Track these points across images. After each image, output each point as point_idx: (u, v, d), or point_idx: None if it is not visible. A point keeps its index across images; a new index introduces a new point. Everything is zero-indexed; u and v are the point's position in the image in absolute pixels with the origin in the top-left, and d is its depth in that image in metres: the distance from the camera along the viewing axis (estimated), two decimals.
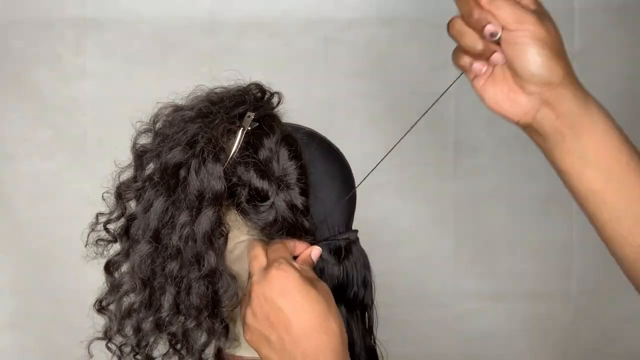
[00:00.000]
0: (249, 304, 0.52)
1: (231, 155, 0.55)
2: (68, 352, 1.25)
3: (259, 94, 0.61)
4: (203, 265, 0.55)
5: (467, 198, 1.25)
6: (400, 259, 1.23)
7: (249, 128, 0.56)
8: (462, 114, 1.24)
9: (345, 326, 0.55)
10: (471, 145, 1.25)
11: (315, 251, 0.56)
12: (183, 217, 0.54)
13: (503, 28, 0.47)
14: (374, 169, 0.61)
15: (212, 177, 0.53)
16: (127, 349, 0.62)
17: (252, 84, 0.61)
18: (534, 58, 0.48)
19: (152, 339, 0.60)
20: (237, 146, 0.55)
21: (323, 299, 0.51)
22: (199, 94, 0.62)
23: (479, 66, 0.53)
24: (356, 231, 0.62)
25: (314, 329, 0.50)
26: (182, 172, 0.55)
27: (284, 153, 0.55)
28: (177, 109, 0.61)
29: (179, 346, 0.60)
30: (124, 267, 0.61)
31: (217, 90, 0.61)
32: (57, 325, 1.25)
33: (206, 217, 0.54)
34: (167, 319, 0.57)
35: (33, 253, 1.24)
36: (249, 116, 0.56)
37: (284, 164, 0.55)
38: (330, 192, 0.59)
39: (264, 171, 0.55)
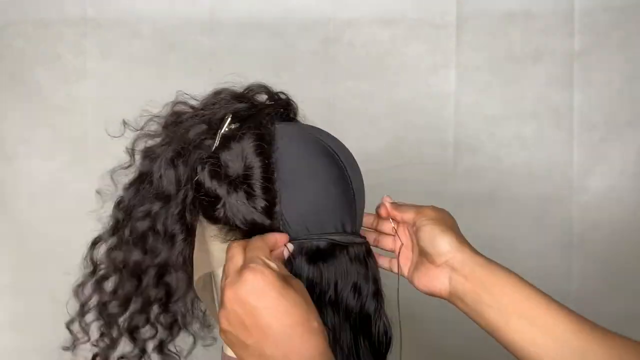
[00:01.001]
0: (222, 306, 0.50)
1: (195, 158, 0.57)
2: (68, 352, 1.26)
3: (253, 95, 0.62)
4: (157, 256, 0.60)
5: (467, 198, 1.25)
6: None
7: (226, 129, 0.57)
8: (462, 114, 1.24)
9: (330, 333, 0.55)
10: (471, 145, 1.25)
11: (288, 247, 0.55)
12: (143, 208, 0.60)
13: (413, 224, 0.63)
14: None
15: (169, 182, 0.58)
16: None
17: (253, 84, 0.62)
18: (431, 232, 0.61)
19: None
20: (214, 147, 0.57)
21: (302, 298, 0.49)
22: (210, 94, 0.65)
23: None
24: (347, 234, 0.58)
25: (296, 328, 0.48)
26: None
27: (250, 151, 0.55)
28: (177, 113, 0.64)
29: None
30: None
31: (195, 102, 0.64)
32: (57, 325, 1.25)
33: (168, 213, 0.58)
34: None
35: (33, 253, 1.24)
36: (227, 118, 0.58)
37: (249, 162, 0.55)
38: (314, 193, 0.56)
39: (216, 171, 0.55)
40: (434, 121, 1.24)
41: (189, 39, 1.22)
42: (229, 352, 0.60)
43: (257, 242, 0.53)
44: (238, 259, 0.51)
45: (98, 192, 0.68)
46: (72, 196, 1.24)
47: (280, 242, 0.55)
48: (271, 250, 0.54)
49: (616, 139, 1.23)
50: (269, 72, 0.65)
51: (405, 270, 0.66)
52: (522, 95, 1.24)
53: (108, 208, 0.69)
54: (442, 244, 0.60)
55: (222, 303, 0.50)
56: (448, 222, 0.62)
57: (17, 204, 1.24)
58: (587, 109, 1.23)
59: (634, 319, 1.26)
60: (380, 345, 0.59)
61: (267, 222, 0.55)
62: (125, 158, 0.67)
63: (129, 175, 0.66)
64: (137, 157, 0.64)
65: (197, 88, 0.66)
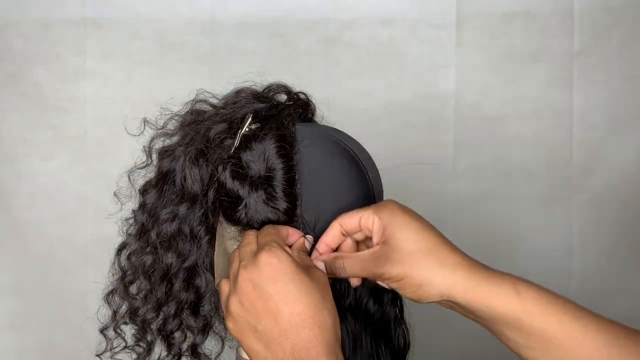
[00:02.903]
0: (235, 290, 0.49)
1: (216, 157, 0.56)
2: (68, 352, 1.26)
3: (273, 94, 0.62)
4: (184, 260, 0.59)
5: (467, 198, 1.25)
6: None
7: (247, 129, 0.56)
8: (462, 114, 1.24)
9: (351, 339, 0.54)
10: (471, 145, 1.25)
11: (309, 239, 0.54)
12: (165, 212, 0.59)
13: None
14: None
15: (194, 180, 0.57)
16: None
17: (273, 84, 0.63)
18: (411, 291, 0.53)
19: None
20: (234, 147, 0.56)
21: (318, 289, 0.48)
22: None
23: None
24: None
25: (306, 320, 0.46)
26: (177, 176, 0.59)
27: (272, 152, 0.55)
28: (197, 111, 0.63)
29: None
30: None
31: (215, 101, 0.63)
32: (57, 325, 1.25)
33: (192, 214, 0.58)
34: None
35: (33, 253, 1.24)
36: (248, 118, 0.57)
37: (271, 164, 0.55)
38: (334, 196, 0.56)
39: (238, 172, 0.55)
40: (434, 121, 1.24)
41: (189, 39, 1.22)
42: (244, 355, 0.60)
43: (269, 229, 0.53)
44: (253, 244, 0.51)
45: (115, 194, 0.67)
46: (72, 196, 1.24)
47: (292, 236, 0.54)
48: (289, 246, 0.53)
49: (616, 139, 1.23)
50: (269, 72, 0.65)
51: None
52: (522, 95, 1.24)
53: (122, 211, 0.68)
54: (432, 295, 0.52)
55: (234, 287, 0.49)
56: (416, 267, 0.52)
57: (17, 204, 1.24)
58: (587, 109, 1.23)
59: (634, 319, 1.26)
60: (399, 350, 0.59)
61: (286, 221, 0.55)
62: (126, 158, 0.66)
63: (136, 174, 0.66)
64: (154, 156, 0.63)
65: (197, 88, 0.65)
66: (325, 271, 0.53)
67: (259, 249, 0.49)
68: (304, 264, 0.50)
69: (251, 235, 0.53)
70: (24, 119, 1.23)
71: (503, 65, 1.23)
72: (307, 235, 0.54)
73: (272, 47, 1.22)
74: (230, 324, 0.50)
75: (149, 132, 0.65)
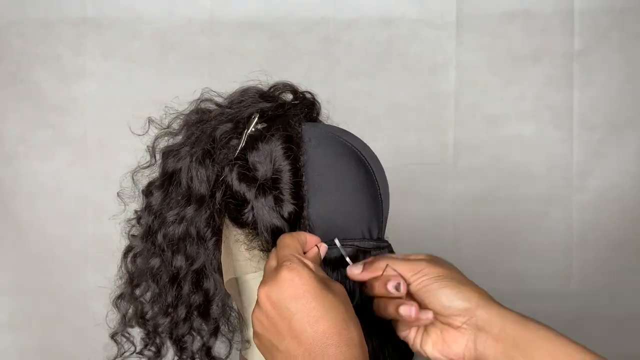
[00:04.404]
0: (256, 309, 0.47)
1: (222, 158, 0.55)
2: (68, 352, 1.26)
3: (280, 93, 0.61)
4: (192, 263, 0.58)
5: (467, 198, 1.25)
6: None
7: (253, 129, 0.55)
8: (462, 114, 1.24)
9: None
10: (471, 145, 1.25)
11: (323, 248, 0.52)
12: (172, 214, 0.58)
13: (407, 283, 0.50)
14: None
15: (201, 181, 0.56)
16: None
17: (279, 83, 0.62)
18: (441, 292, 0.49)
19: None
20: (240, 147, 0.55)
21: (341, 304, 0.46)
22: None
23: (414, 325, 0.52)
24: (372, 240, 0.57)
25: (332, 337, 0.44)
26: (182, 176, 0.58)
27: (279, 154, 0.54)
28: (203, 110, 0.62)
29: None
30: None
31: (221, 100, 0.62)
32: (57, 325, 1.25)
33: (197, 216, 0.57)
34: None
35: (33, 253, 1.24)
36: (254, 118, 0.56)
37: (278, 165, 0.54)
38: (342, 198, 0.55)
39: (245, 174, 0.53)
40: (434, 121, 1.24)
41: (189, 39, 1.22)
42: (249, 357, 0.59)
43: (286, 239, 0.50)
44: (272, 259, 0.49)
45: (119, 195, 0.66)
46: (72, 196, 1.24)
47: (310, 242, 0.52)
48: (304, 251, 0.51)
49: (616, 139, 1.23)
50: (269, 72, 0.65)
51: (410, 338, 0.53)
52: (522, 95, 1.24)
53: (124, 212, 0.67)
54: (459, 302, 0.49)
55: (256, 304, 0.48)
56: (455, 276, 0.51)
57: (17, 204, 1.24)
58: (587, 109, 1.23)
59: (634, 319, 1.26)
60: (405, 351, 0.58)
61: (287, 227, 0.53)
62: (126, 158, 0.66)
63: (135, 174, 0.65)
64: (158, 156, 0.62)
65: (197, 88, 0.65)
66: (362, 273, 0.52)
67: (279, 264, 0.47)
68: (322, 277, 0.48)
69: (272, 254, 0.51)
70: (24, 119, 1.23)
71: (503, 65, 1.23)
72: (322, 244, 0.52)
73: (272, 47, 1.22)
74: (255, 341, 0.49)
75: (151, 132, 0.64)
